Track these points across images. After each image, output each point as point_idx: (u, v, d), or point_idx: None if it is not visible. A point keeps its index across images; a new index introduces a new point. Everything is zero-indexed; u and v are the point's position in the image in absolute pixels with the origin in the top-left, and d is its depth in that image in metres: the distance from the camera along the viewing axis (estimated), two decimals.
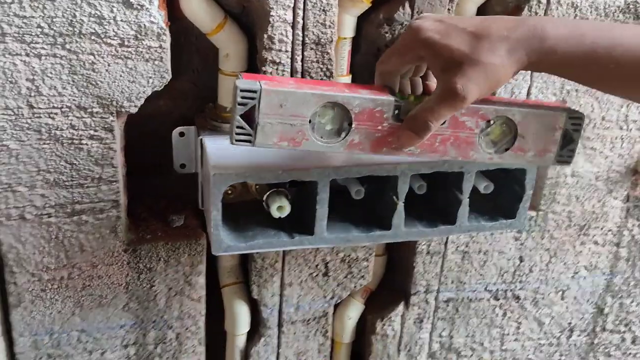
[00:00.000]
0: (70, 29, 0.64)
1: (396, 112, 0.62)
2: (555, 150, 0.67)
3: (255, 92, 0.59)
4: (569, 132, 0.66)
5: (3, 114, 0.66)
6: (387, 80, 0.66)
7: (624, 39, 0.58)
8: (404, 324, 0.95)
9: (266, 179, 0.68)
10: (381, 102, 0.62)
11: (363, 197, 0.75)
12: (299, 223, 0.75)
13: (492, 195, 0.78)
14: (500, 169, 0.75)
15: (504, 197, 0.80)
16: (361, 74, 0.80)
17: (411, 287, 0.93)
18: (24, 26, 0.63)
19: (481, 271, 0.94)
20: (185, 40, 0.77)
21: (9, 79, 0.65)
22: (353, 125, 0.62)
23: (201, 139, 0.75)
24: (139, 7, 0.65)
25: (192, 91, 0.80)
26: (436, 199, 0.80)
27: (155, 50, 0.68)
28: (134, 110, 0.70)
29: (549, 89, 0.84)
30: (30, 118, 0.67)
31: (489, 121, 0.65)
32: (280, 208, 0.72)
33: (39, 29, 0.63)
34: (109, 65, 0.67)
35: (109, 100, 0.68)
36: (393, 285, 0.96)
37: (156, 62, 0.68)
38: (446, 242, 0.91)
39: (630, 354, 1.09)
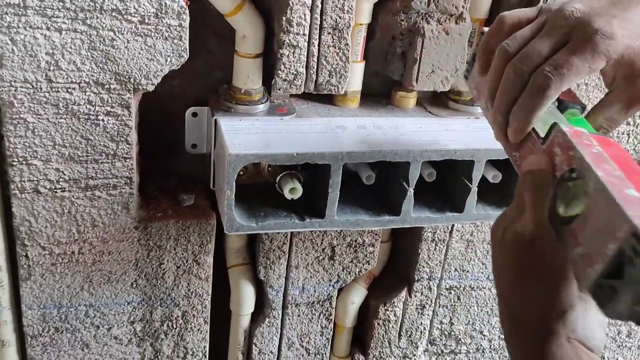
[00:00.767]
0: (92, 4, 0.64)
1: None
2: (598, 270, 0.41)
3: None
4: (625, 256, 0.39)
5: (22, 87, 0.66)
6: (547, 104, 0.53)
7: None
8: (406, 310, 0.96)
9: (280, 160, 0.69)
10: None
11: (372, 182, 0.76)
12: (310, 206, 0.76)
13: (499, 185, 0.79)
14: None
15: (511, 187, 0.81)
16: (374, 60, 0.81)
17: (415, 274, 0.94)
18: (46, 0, 0.63)
19: (484, 260, 0.96)
20: (202, 21, 0.77)
21: (29, 52, 0.65)
22: None
23: (215, 119, 0.75)
24: None
25: (205, 72, 0.81)
26: (444, 187, 0.81)
27: (175, 29, 0.68)
28: (150, 88, 0.71)
29: None
30: (48, 92, 0.68)
31: (572, 170, 0.46)
32: (293, 190, 0.73)
33: (61, 3, 0.64)
34: (128, 42, 0.67)
35: (127, 77, 0.69)
36: (396, 271, 0.97)
37: (175, 41, 0.69)
38: (451, 230, 0.92)
39: (625, 346, 1.11)
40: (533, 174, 0.49)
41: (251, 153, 0.68)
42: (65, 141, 0.71)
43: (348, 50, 0.75)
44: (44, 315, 0.80)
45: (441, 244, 0.92)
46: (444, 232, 0.92)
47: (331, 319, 0.95)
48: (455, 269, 0.95)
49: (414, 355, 1.01)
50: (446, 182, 0.80)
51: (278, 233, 0.84)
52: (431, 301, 0.97)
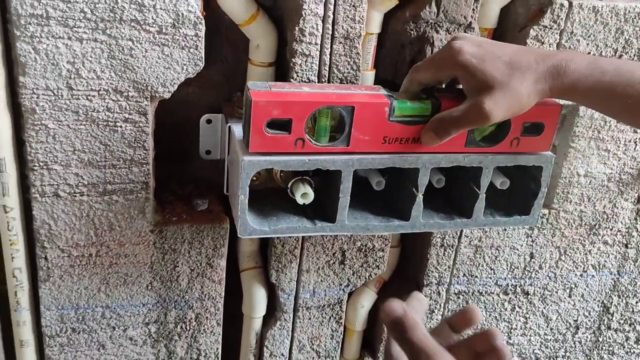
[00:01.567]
0: (112, 15, 0.67)
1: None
2: None
3: None
4: None
5: (43, 94, 0.69)
6: (414, 87, 0.72)
7: None
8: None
9: (293, 166, 0.71)
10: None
11: (382, 188, 0.78)
12: (321, 211, 0.78)
13: (506, 192, 0.81)
14: (517, 165, 0.78)
15: (518, 193, 0.82)
16: (384, 69, 0.82)
17: (424, 279, 0.96)
18: (68, 10, 0.66)
19: (492, 265, 0.97)
20: (216, 30, 0.79)
21: (51, 61, 0.67)
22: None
23: (229, 126, 0.77)
24: None
25: (220, 80, 0.83)
26: (453, 193, 0.83)
27: (191, 39, 0.70)
28: (167, 95, 0.73)
29: None
30: (69, 99, 0.70)
31: None
32: (305, 195, 0.74)
33: (82, 14, 0.66)
34: (146, 51, 0.70)
35: (145, 85, 0.71)
36: (406, 276, 0.99)
37: (191, 50, 0.71)
38: (460, 236, 0.93)
39: (633, 352, 1.12)
40: None
41: (264, 159, 0.70)
42: (84, 147, 0.73)
43: (359, 59, 0.77)
44: (62, 316, 0.83)
45: (450, 249, 0.94)
46: (453, 237, 0.93)
47: (341, 323, 0.96)
48: (464, 274, 0.97)
49: None
50: (455, 189, 0.82)
51: (290, 237, 0.86)
52: (440, 306, 0.98)
